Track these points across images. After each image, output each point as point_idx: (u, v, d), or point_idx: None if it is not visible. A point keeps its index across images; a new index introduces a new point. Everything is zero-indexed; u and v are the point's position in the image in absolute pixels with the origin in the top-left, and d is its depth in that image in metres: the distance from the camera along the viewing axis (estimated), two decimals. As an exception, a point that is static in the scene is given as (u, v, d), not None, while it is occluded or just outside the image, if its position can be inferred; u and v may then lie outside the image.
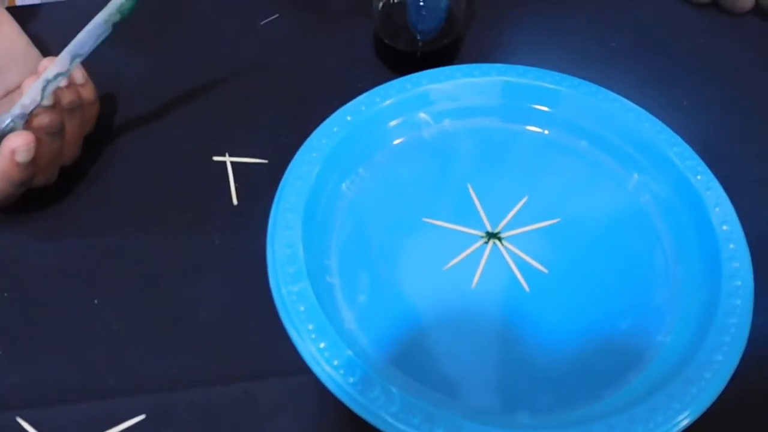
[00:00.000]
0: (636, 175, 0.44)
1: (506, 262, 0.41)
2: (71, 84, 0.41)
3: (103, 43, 0.40)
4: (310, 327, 0.35)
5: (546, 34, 0.55)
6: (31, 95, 0.38)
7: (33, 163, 0.39)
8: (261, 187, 0.42)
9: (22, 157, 0.38)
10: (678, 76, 0.52)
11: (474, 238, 0.42)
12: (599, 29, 0.56)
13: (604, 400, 0.35)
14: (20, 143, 0.37)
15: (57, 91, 0.39)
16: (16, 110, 0.38)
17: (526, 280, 0.40)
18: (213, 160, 0.47)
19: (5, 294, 0.41)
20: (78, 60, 0.39)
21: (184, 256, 0.42)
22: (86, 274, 0.42)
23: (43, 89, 0.38)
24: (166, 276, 0.42)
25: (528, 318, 0.39)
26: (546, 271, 0.40)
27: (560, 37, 0.55)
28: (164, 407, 0.37)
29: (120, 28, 0.39)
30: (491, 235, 0.42)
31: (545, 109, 0.47)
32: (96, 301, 0.40)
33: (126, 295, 0.41)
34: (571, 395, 0.36)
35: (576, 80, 0.46)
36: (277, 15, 0.56)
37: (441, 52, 0.51)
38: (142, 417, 0.36)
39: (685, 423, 0.32)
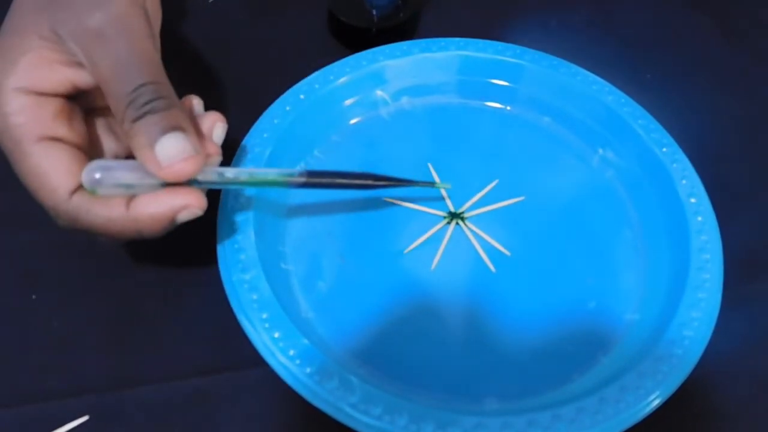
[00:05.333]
0: (600, 150, 0.43)
1: (470, 243, 0.39)
2: None
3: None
4: (264, 316, 0.33)
5: (507, 8, 0.54)
6: (235, 171, 0.33)
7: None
8: (210, 172, 0.40)
9: (186, 216, 0.31)
10: (641, 49, 0.51)
11: (436, 219, 0.40)
12: (560, 3, 0.54)
13: (574, 382, 0.34)
14: (195, 204, 0.31)
15: None
16: (214, 174, 0.32)
17: (491, 260, 0.39)
18: (159, 145, 0.44)
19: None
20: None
21: (127, 248, 0.40)
22: (22, 268, 0.39)
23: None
24: (110, 269, 0.39)
25: (493, 301, 0.37)
26: (508, 253, 0.39)
27: (521, 11, 0.53)
28: (110, 407, 0.34)
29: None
30: (454, 215, 0.40)
31: (506, 84, 0.45)
32: (34, 296, 0.38)
33: (66, 289, 0.38)
34: (540, 379, 0.34)
35: (537, 53, 0.44)
36: (226, -8, 0.53)
37: (398, 28, 0.49)
38: (85, 418, 0.34)
39: (656, 402, 0.31)
